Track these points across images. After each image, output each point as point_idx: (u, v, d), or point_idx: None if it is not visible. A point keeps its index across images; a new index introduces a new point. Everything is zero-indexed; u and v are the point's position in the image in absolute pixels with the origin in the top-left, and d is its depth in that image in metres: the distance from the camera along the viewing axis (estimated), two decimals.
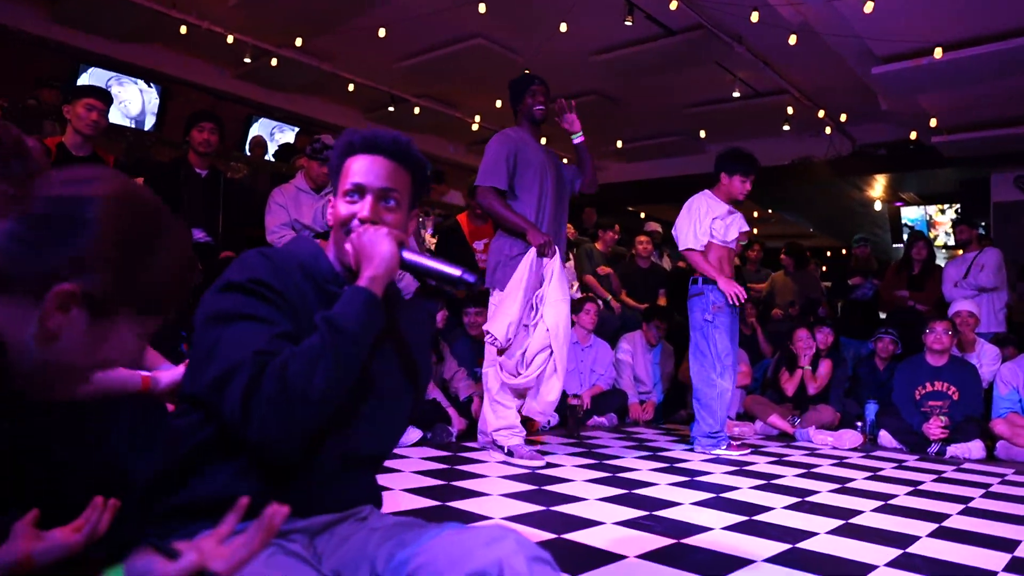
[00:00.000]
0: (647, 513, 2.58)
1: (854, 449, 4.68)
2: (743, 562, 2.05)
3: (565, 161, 4.21)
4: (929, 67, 5.80)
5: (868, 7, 4.90)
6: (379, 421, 1.28)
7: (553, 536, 2.20)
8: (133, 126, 7.53)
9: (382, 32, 6.49)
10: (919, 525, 2.64)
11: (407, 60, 7.63)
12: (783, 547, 2.24)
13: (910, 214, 10.36)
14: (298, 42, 7.01)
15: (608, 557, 2.02)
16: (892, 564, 2.13)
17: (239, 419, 1.05)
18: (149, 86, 7.78)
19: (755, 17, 5.48)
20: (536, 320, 3.56)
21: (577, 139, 3.92)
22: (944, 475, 3.87)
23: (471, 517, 2.37)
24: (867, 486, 3.42)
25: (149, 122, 7.77)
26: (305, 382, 1.04)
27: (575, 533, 2.25)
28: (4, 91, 6.53)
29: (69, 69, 7.09)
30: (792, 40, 5.75)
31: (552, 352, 3.54)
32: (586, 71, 7.45)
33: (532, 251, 3.56)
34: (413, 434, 3.82)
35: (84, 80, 7.11)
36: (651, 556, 2.05)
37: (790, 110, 7.72)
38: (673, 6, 5.66)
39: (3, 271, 0.78)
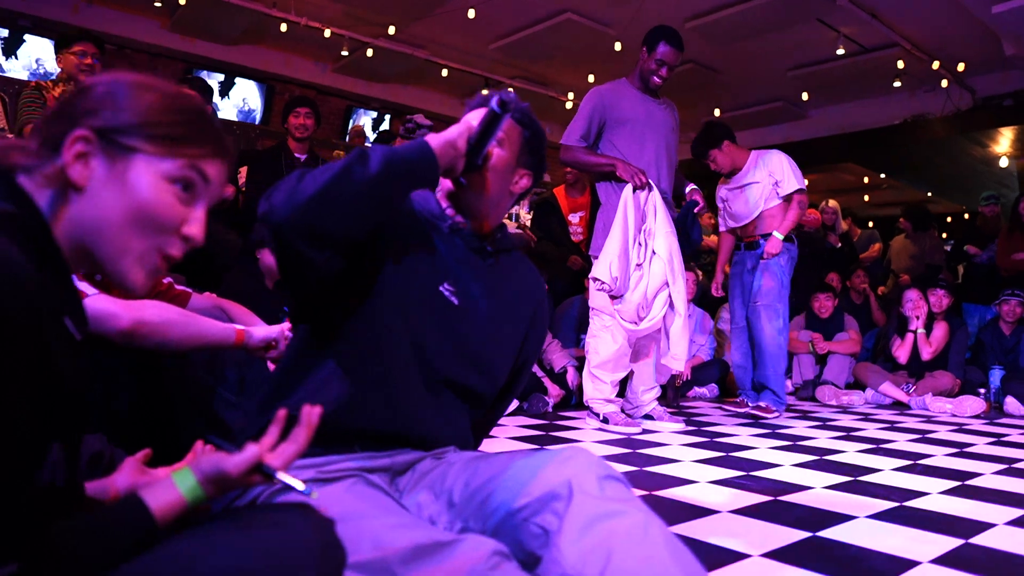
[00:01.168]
0: (744, 473, 2.53)
1: (976, 417, 4.40)
2: (843, 518, 1.98)
3: None
4: None
5: None
6: (464, 346, 1.30)
7: (646, 492, 2.20)
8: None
9: (471, 13, 6.54)
10: None
11: (498, 41, 7.66)
12: (889, 505, 2.14)
13: None
14: (391, 30, 7.17)
15: (701, 511, 2.00)
16: (1014, 523, 2.00)
17: (265, 195, 1.13)
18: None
19: None
20: (649, 256, 3.50)
21: (697, 207, 3.80)
22: None
23: None
24: (989, 451, 3.22)
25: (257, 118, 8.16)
26: (314, 179, 1.10)
27: (668, 490, 2.24)
28: None
29: (183, 74, 7.54)
30: None
31: (671, 293, 3.50)
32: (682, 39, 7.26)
33: (627, 187, 3.51)
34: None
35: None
36: (746, 511, 2.01)
37: (901, 64, 7.24)
38: None
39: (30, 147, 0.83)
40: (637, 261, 3.50)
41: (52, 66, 6.04)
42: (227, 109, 7.92)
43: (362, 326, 1.22)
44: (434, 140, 1.20)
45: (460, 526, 1.13)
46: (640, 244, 3.51)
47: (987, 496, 2.31)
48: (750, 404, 4.20)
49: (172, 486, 0.82)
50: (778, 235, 4.09)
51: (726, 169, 4.28)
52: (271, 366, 1.92)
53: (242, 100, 8.13)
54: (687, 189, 3.82)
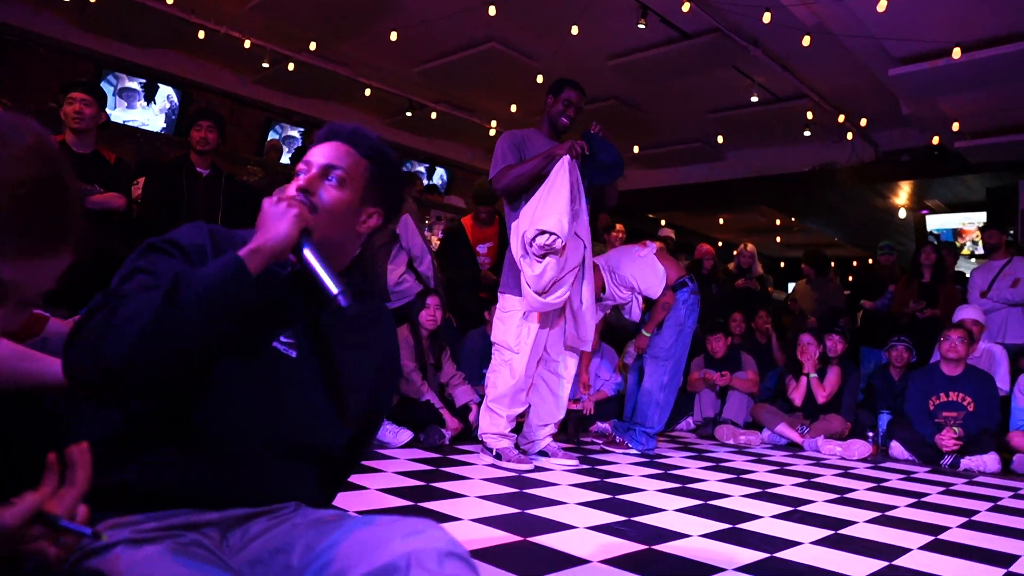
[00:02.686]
0: (625, 518, 2.51)
1: (863, 460, 4.55)
2: (711, 570, 1.97)
3: None
4: (947, 68, 5.64)
5: (881, 5, 4.77)
6: (302, 402, 1.22)
7: (519, 539, 2.14)
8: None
9: (394, 36, 6.50)
10: (914, 537, 2.53)
11: (423, 65, 7.65)
12: (759, 556, 2.15)
13: (936, 223, 10.10)
14: (312, 46, 7.05)
15: (570, 561, 1.96)
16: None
17: (66, 344, 1.03)
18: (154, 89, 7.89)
19: (767, 18, 5.38)
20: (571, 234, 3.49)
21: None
22: (953, 488, 3.73)
23: (442, 518, 2.32)
24: (867, 497, 3.30)
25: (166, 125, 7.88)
26: (125, 322, 0.99)
27: (543, 536, 2.19)
28: (32, 96, 6.68)
29: (93, 74, 7.23)
30: (806, 42, 5.64)
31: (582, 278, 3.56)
32: (604, 76, 7.38)
33: (564, 157, 3.47)
34: (404, 435, 3.79)
35: (107, 85, 7.24)
36: (616, 561, 1.98)
37: (810, 115, 7.58)
38: (686, 8, 5.58)
39: None
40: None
41: None
42: (151, 115, 7.63)
43: (191, 393, 1.13)
44: (253, 257, 1.08)
45: None
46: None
47: (855, 547, 2.35)
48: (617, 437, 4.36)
49: None
50: (645, 332, 4.31)
51: (599, 296, 4.31)
52: None
53: (167, 105, 7.85)
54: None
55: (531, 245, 3.38)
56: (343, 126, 1.30)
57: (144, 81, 7.63)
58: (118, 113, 7.39)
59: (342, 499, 2.40)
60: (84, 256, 0.77)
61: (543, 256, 3.39)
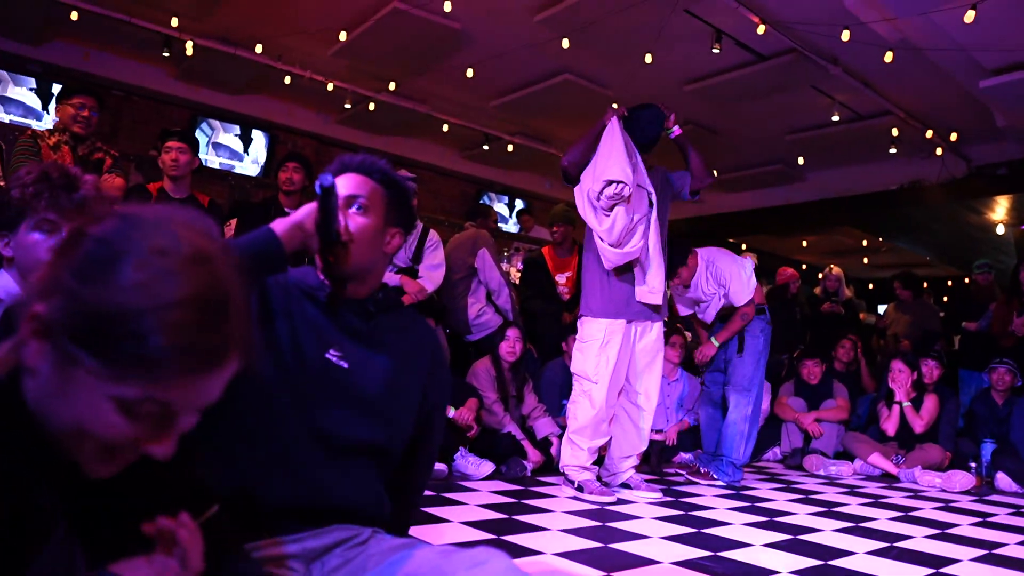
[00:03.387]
0: (711, 553, 2.47)
1: (966, 492, 4.31)
2: None
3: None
4: None
5: (969, 17, 4.59)
6: (361, 404, 1.32)
7: (602, 574, 2.13)
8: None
9: (470, 72, 6.65)
10: None
11: (498, 99, 7.78)
12: None
13: None
14: (391, 86, 7.29)
15: None
16: None
17: None
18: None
19: (846, 36, 5.26)
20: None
21: (673, 133, 3.79)
22: None
23: (524, 552, 2.33)
24: (972, 533, 3.13)
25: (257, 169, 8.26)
26: None
27: (626, 572, 2.18)
28: (135, 144, 7.15)
29: (187, 121, 7.67)
30: (888, 58, 5.47)
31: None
32: (680, 101, 7.31)
33: (611, 121, 3.52)
34: (486, 467, 3.82)
35: (200, 132, 7.68)
36: None
37: (895, 132, 7.32)
38: (761, 31, 5.52)
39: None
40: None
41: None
42: (246, 164, 8.05)
43: (254, 409, 1.23)
44: (280, 225, 1.25)
45: None
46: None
47: None
48: (701, 468, 4.26)
49: None
50: (715, 342, 4.26)
51: (688, 282, 4.25)
52: None
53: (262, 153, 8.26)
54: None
55: (599, 199, 3.44)
56: (352, 158, 1.42)
57: (239, 133, 8.05)
58: (213, 158, 7.81)
59: (426, 532, 2.45)
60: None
61: (610, 208, 3.44)
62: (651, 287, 3.61)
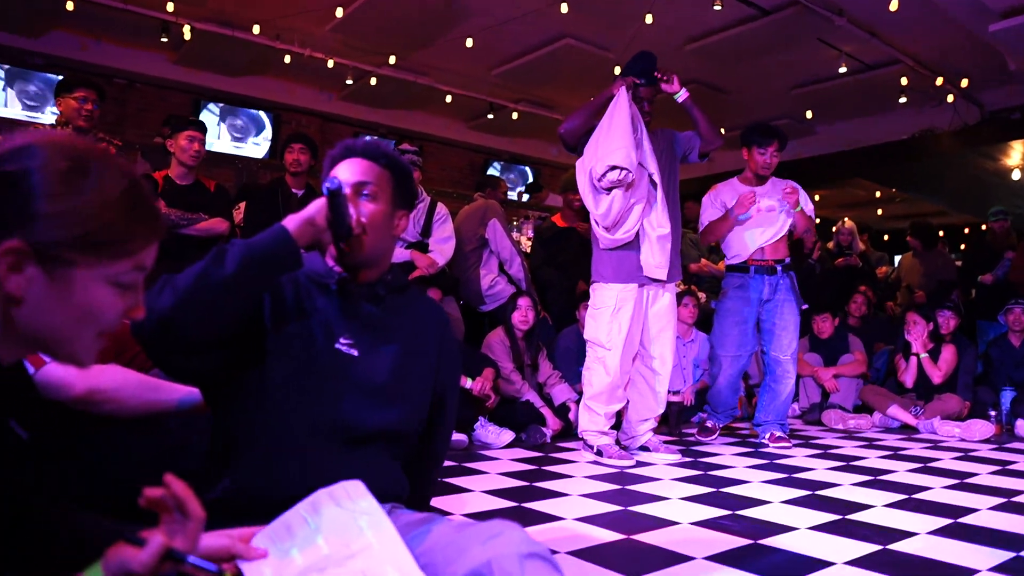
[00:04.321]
0: (729, 512, 2.49)
1: (986, 441, 4.31)
2: (820, 564, 1.94)
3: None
4: None
5: None
6: (373, 391, 1.33)
7: (623, 537, 2.17)
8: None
9: (469, 42, 6.59)
10: None
11: (500, 67, 7.72)
12: (872, 548, 2.10)
13: None
14: (391, 59, 7.24)
15: (674, 558, 1.97)
16: (998, 569, 1.95)
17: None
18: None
19: None
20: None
21: (681, 97, 3.71)
22: None
23: (544, 518, 2.37)
24: (991, 482, 3.15)
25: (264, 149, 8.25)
26: (173, 289, 1.15)
27: (647, 534, 2.21)
28: (137, 131, 7.16)
29: (189, 106, 7.67)
30: (894, 6, 5.36)
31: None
32: (683, 61, 7.23)
33: (621, 89, 3.50)
34: (506, 435, 3.86)
35: (205, 115, 7.67)
36: (721, 557, 1.98)
37: (905, 81, 7.19)
38: None
39: None
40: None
41: None
42: (254, 148, 8.05)
43: (267, 400, 1.26)
44: (292, 221, 1.25)
45: None
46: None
47: (978, 536, 2.25)
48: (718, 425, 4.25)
49: None
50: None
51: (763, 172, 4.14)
52: None
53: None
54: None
55: (600, 180, 3.42)
56: (356, 142, 1.42)
57: (252, 114, 8.05)
58: (225, 144, 7.81)
59: (448, 503, 2.49)
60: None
61: (609, 190, 3.43)
62: (658, 261, 3.59)
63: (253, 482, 1.24)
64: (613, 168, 3.36)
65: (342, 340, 1.34)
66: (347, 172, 1.38)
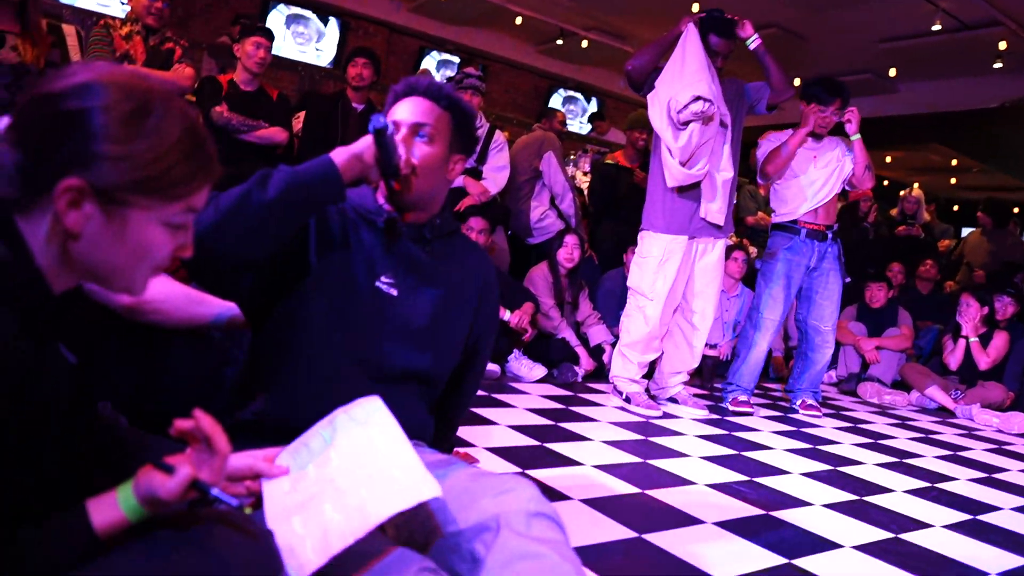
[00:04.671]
0: (747, 479, 2.52)
1: (1022, 435, 4.23)
2: (828, 545, 1.96)
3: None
4: None
5: None
6: (407, 333, 1.37)
7: (637, 491, 2.22)
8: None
9: None
10: None
11: None
12: (882, 535, 2.11)
13: None
14: None
15: (685, 520, 2.01)
16: (1007, 574, 1.95)
17: None
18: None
19: None
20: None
21: (753, 44, 3.59)
22: None
23: (564, 461, 2.43)
24: (1020, 480, 3.10)
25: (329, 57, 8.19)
26: (216, 207, 1.18)
27: (662, 490, 2.25)
28: (204, 28, 7.16)
29: (260, 5, 7.62)
30: None
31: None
32: (768, 2, 6.92)
33: (687, 27, 3.44)
34: (538, 370, 3.92)
35: (272, 17, 7.63)
36: (730, 525, 2.02)
37: (1003, 44, 6.76)
38: None
39: (10, 191, 0.83)
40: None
41: None
42: (324, 53, 7.99)
43: (303, 330, 1.30)
44: (340, 155, 1.26)
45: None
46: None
47: (994, 537, 2.24)
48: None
49: (116, 505, 0.87)
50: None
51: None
52: None
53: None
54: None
55: (681, 111, 3.34)
56: (419, 80, 1.41)
57: (316, 20, 7.97)
58: (290, 49, 7.77)
59: (474, 433, 2.56)
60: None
61: (686, 124, 3.37)
62: (719, 206, 3.53)
63: (282, 407, 1.29)
64: (697, 99, 3.28)
65: (383, 279, 1.36)
66: (406, 111, 1.37)
